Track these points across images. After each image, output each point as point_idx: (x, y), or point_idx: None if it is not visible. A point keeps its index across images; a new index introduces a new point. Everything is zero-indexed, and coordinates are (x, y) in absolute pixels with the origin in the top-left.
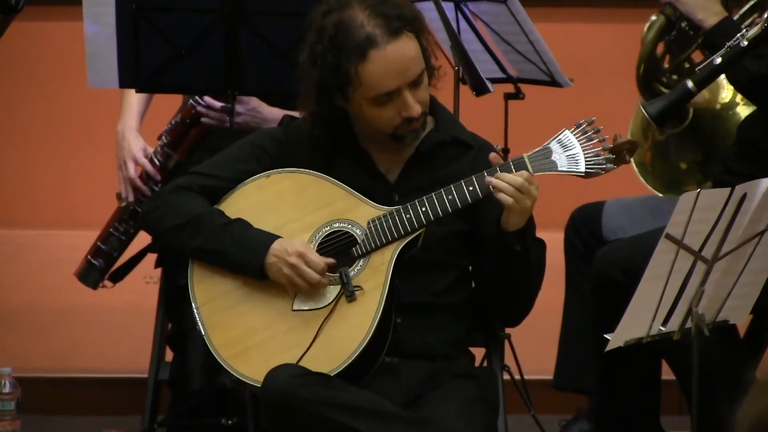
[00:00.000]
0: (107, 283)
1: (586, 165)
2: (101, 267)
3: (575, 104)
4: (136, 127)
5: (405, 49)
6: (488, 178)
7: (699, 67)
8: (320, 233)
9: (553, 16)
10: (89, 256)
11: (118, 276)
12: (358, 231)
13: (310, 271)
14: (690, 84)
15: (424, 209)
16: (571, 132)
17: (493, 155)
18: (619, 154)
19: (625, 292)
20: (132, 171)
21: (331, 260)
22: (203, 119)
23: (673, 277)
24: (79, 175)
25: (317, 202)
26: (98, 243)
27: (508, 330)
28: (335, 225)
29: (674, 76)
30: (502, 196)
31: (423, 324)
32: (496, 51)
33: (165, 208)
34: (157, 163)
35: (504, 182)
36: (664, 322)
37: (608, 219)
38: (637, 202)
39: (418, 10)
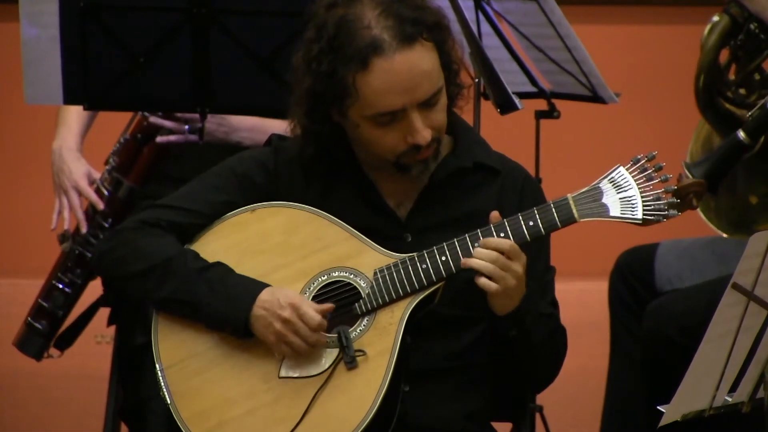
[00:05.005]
0: (53, 351)
1: (644, 210)
2: (45, 331)
3: (622, 125)
4: (77, 147)
5: (417, 60)
6: (464, 260)
7: (751, 113)
8: (315, 284)
9: (594, 17)
10: (29, 318)
11: (65, 341)
12: (362, 282)
13: (306, 329)
14: (741, 135)
15: (444, 258)
16: (627, 169)
17: (493, 215)
18: (685, 197)
19: (682, 354)
20: (77, 202)
21: (329, 305)
22: (158, 138)
23: (741, 335)
24: (15, 209)
25: (312, 245)
26: (39, 300)
27: (539, 401)
28: (334, 274)
29: (741, 90)
30: (482, 281)
31: (435, 393)
32: (526, 59)
33: (125, 248)
34: (106, 192)
35: (480, 260)
36: (731, 391)
37: (662, 265)
38: (698, 244)
39: (443, 14)
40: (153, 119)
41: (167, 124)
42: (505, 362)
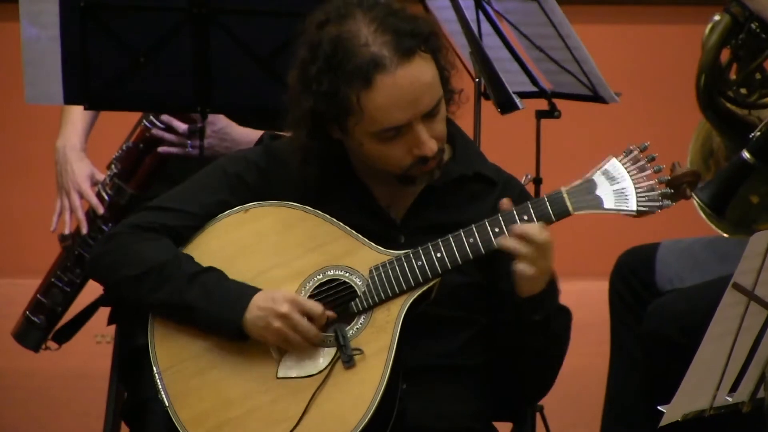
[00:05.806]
0: (51, 344)
1: (637, 201)
2: (43, 325)
3: (622, 124)
4: (80, 146)
5: (419, 74)
6: (497, 240)
7: (754, 133)
8: (311, 282)
9: (595, 17)
10: (28, 312)
11: (63, 335)
12: (357, 280)
13: (306, 323)
14: (746, 155)
15: (439, 255)
16: (620, 161)
17: (504, 201)
18: (678, 187)
19: (683, 354)
20: (78, 203)
21: (331, 313)
22: (160, 148)
23: (742, 335)
24: (15, 209)
25: (307, 244)
26: (38, 296)
27: (540, 401)
28: (330, 272)
29: (743, 90)
30: (521, 266)
31: (435, 391)
32: (526, 59)
33: (119, 252)
34: (106, 197)
35: (518, 244)
36: (732, 391)
37: (663, 265)
38: (699, 244)
39: (434, 22)
40: (155, 131)
41: (168, 137)
42: (507, 361)
